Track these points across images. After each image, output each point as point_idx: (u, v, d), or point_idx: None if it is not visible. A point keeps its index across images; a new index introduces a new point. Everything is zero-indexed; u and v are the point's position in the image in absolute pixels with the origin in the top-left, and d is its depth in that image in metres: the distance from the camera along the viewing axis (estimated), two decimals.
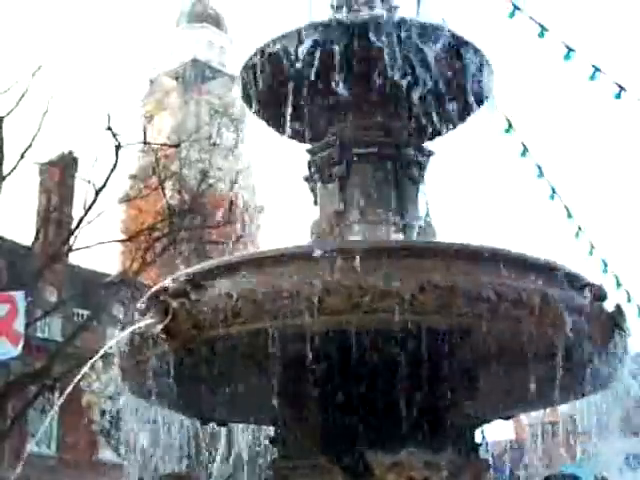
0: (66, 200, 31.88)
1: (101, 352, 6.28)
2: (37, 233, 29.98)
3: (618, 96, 12.35)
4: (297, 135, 7.09)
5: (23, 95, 27.54)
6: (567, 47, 12.14)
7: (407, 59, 6.38)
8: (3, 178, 27.36)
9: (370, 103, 6.53)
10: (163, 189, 31.12)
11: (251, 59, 6.69)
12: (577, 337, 5.36)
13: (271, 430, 6.54)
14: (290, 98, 6.47)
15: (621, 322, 5.76)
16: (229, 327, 5.20)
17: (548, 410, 7.22)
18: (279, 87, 6.59)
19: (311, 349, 5.09)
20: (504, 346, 5.33)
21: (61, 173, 32.69)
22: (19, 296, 18.44)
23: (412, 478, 5.21)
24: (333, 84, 6.30)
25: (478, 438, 6.44)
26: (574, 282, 5.77)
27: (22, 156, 27.64)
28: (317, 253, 5.36)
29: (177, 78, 60.49)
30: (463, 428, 6.05)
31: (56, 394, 26.52)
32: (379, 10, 7.20)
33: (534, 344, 5.30)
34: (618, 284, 13.84)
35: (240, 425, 7.35)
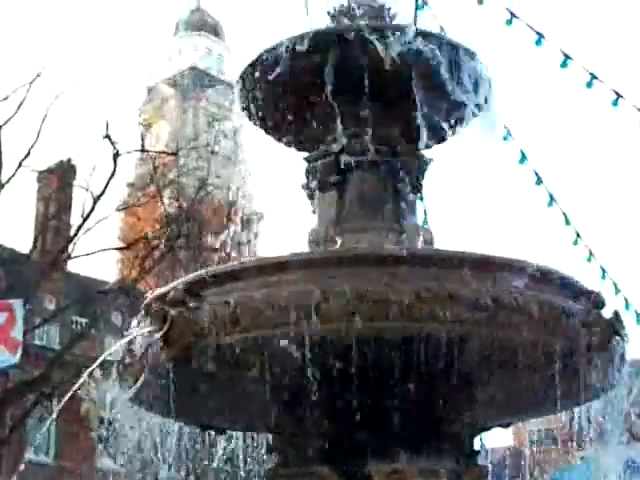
0: (64, 208, 31.91)
1: (99, 360, 6.27)
2: (35, 241, 29.99)
3: (615, 103, 12.36)
4: (295, 143, 7.11)
5: (21, 103, 27.64)
6: (564, 54, 12.17)
7: (405, 67, 6.38)
8: (1, 186, 27.40)
9: (367, 111, 6.53)
10: (161, 197, 31.16)
11: (247, 68, 6.70)
12: (575, 344, 5.37)
13: (269, 438, 6.54)
14: (286, 107, 6.48)
15: (619, 329, 5.76)
16: (227, 335, 5.20)
17: (547, 417, 7.22)
18: (275, 96, 6.60)
19: (309, 357, 5.09)
20: (502, 354, 5.33)
21: (59, 181, 32.71)
22: (17, 304, 18.46)
23: None
24: (328, 92, 6.30)
25: (477, 445, 6.44)
26: (572, 289, 5.77)
27: (20, 164, 27.70)
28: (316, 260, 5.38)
29: (175, 86, 60.52)
30: (462, 435, 6.05)
31: (54, 402, 26.49)
32: (377, 17, 7.23)
33: (532, 351, 5.30)
34: (616, 291, 13.85)
35: (239, 432, 7.34)
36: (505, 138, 11.80)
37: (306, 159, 6.96)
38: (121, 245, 32.84)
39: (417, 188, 6.81)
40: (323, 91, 6.34)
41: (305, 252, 6.33)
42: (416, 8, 9.24)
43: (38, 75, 28.06)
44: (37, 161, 30.74)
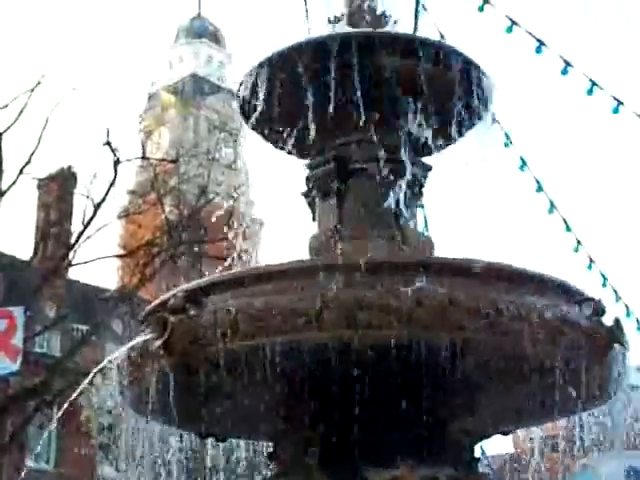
0: (65, 215, 31.89)
1: (99, 367, 6.27)
2: (36, 248, 29.97)
3: (616, 110, 12.37)
4: (295, 151, 7.11)
5: (22, 111, 27.63)
6: (565, 61, 12.18)
7: (406, 74, 6.39)
8: (2, 193, 27.40)
9: (368, 118, 6.53)
10: (162, 204, 31.16)
11: (248, 76, 6.70)
12: (576, 352, 5.36)
13: (269, 445, 6.54)
14: (287, 114, 6.49)
15: (620, 336, 5.76)
16: (228, 343, 5.19)
17: (548, 424, 7.22)
18: (276, 103, 6.60)
19: (309, 365, 5.09)
20: (503, 361, 5.32)
21: (60, 188, 32.70)
22: (18, 311, 18.47)
23: None
24: (330, 100, 6.30)
25: (477, 452, 6.43)
26: (573, 296, 5.77)
27: (21, 171, 27.70)
28: (317, 268, 5.38)
29: (176, 93, 60.53)
30: (462, 443, 6.04)
31: (55, 409, 26.46)
32: (378, 24, 7.24)
33: (533, 359, 5.30)
34: (617, 298, 13.85)
35: (239, 440, 7.34)
36: (506, 145, 11.82)
37: (307, 166, 6.96)
38: (122, 252, 32.81)
39: (418, 195, 6.81)
40: (324, 99, 6.34)
41: (305, 260, 6.33)
42: (416, 15, 9.26)
43: (39, 82, 28.08)
44: (38, 168, 30.79)
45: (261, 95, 6.56)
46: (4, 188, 27.48)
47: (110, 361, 5.93)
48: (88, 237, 28.35)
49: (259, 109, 6.53)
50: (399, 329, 4.98)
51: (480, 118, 6.79)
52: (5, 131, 27.51)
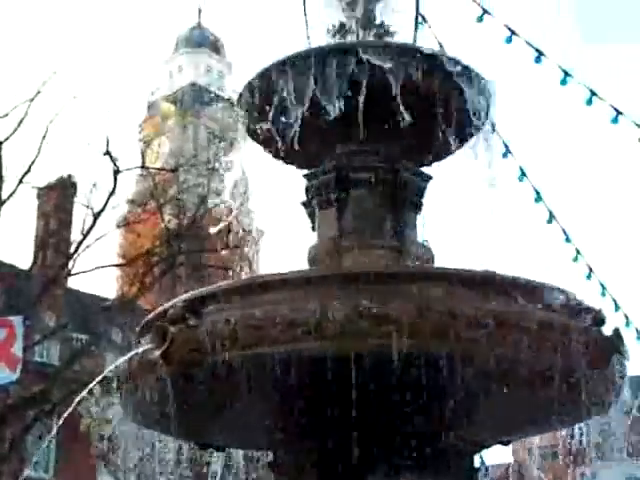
0: (64, 224, 31.89)
1: (99, 377, 6.28)
2: (35, 257, 29.95)
3: (615, 120, 12.36)
4: (295, 161, 7.12)
5: (22, 120, 27.64)
6: (564, 71, 12.18)
7: (406, 84, 6.40)
8: (2, 202, 27.41)
9: (367, 128, 6.54)
10: (161, 213, 31.15)
11: (247, 86, 6.71)
12: (575, 362, 5.36)
13: (269, 455, 6.53)
14: (285, 125, 6.49)
15: (620, 346, 5.76)
16: (227, 352, 5.19)
17: (548, 434, 7.21)
18: (275, 113, 6.60)
19: (309, 375, 5.09)
20: (503, 371, 5.32)
21: (59, 197, 32.71)
22: (17, 320, 18.44)
23: None
24: (329, 110, 6.31)
25: (477, 463, 6.43)
26: (572, 306, 5.77)
27: (21, 180, 27.71)
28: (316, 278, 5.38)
29: (175, 102, 60.54)
30: (462, 453, 6.04)
31: (54, 418, 26.43)
32: (376, 34, 7.25)
33: (532, 369, 5.30)
34: (616, 307, 13.83)
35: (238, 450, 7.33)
36: (505, 155, 11.81)
37: (306, 177, 6.97)
38: (121, 262, 32.80)
39: (417, 205, 6.82)
40: (324, 109, 6.35)
41: (305, 269, 6.33)
42: (416, 26, 9.26)
43: (39, 92, 28.11)
44: (38, 177, 30.76)
45: (260, 105, 6.57)
46: (4, 197, 27.48)
47: (110, 371, 5.94)
48: (88, 246, 28.37)
49: (258, 120, 6.55)
50: (399, 339, 4.98)
51: (479, 128, 6.79)
52: (5, 140, 27.53)
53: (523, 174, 12.63)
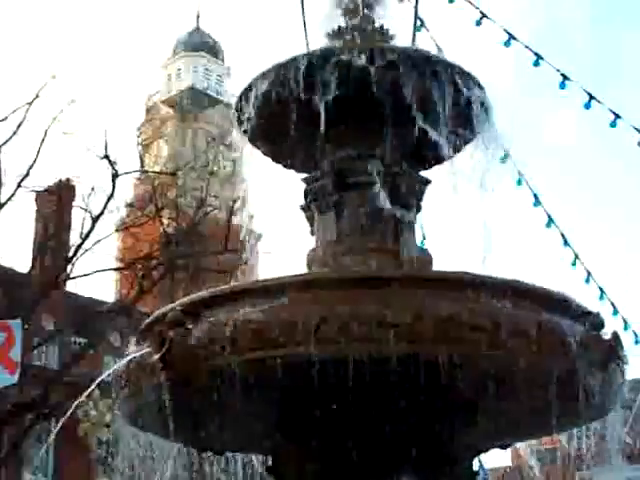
0: (63, 228, 31.82)
1: (97, 381, 6.27)
2: (34, 261, 29.92)
3: (613, 124, 12.39)
4: (293, 165, 7.12)
5: (20, 124, 27.63)
6: (562, 75, 12.21)
7: (405, 89, 6.40)
8: (1, 206, 27.39)
9: (365, 132, 6.54)
10: (160, 217, 31.13)
11: (244, 90, 6.71)
12: (574, 366, 5.36)
13: (268, 459, 6.52)
14: (284, 129, 6.49)
15: (618, 350, 5.76)
16: (226, 357, 5.19)
17: (547, 437, 7.21)
18: (273, 118, 6.60)
19: (308, 379, 5.08)
20: (501, 375, 5.31)
21: (58, 201, 32.66)
22: (16, 324, 18.40)
23: None
24: (326, 113, 6.30)
25: (475, 466, 6.42)
26: (571, 310, 5.77)
27: (19, 184, 27.70)
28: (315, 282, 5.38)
29: (174, 106, 60.52)
30: (461, 457, 6.03)
31: (53, 422, 26.41)
32: (375, 39, 7.25)
33: (531, 373, 5.29)
34: (615, 311, 13.86)
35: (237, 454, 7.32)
36: (503, 159, 11.82)
37: (304, 180, 6.97)
38: (120, 265, 32.76)
39: (416, 209, 6.82)
40: (322, 112, 6.34)
41: (304, 273, 6.33)
42: (414, 30, 9.26)
43: (37, 96, 28.11)
44: (36, 181, 30.72)
45: (258, 109, 6.57)
46: (2, 201, 27.48)
47: (108, 375, 5.93)
48: (86, 250, 28.35)
49: (256, 123, 6.55)
50: (397, 343, 4.98)
51: (478, 133, 6.80)
52: (4, 144, 27.52)
53: (522, 179, 12.64)
